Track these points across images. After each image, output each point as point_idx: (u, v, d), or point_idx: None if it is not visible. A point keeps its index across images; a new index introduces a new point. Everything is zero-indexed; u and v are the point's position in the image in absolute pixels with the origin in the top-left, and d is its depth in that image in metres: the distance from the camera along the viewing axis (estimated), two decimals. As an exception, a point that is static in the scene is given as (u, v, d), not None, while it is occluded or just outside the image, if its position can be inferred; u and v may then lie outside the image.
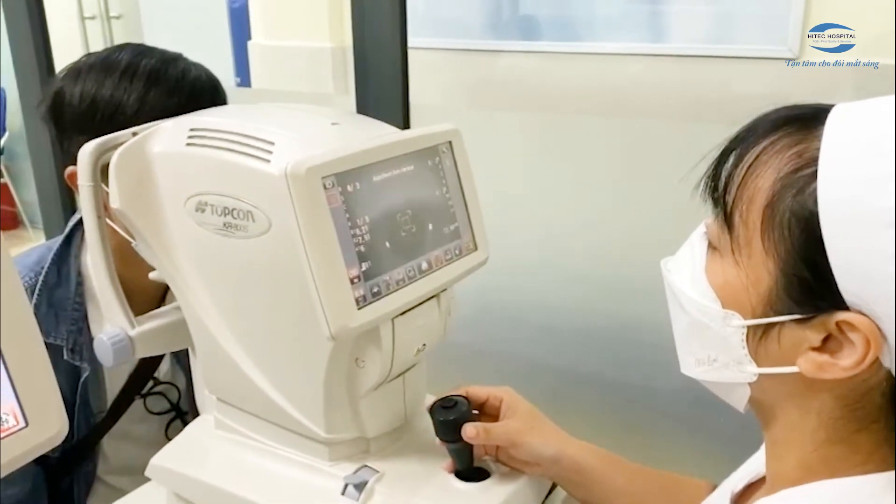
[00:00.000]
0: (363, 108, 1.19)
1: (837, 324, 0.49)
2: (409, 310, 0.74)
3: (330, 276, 0.66)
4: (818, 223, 0.48)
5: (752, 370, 0.54)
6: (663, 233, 1.26)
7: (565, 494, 0.84)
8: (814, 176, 0.48)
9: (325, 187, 0.66)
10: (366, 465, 0.78)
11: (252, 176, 0.69)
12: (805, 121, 0.52)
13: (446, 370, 1.24)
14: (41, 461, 1.07)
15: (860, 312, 0.48)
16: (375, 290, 0.69)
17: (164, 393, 1.15)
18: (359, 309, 0.67)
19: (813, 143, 0.50)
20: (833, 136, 0.49)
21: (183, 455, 0.85)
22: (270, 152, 0.69)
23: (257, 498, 0.77)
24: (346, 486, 0.76)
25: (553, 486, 0.84)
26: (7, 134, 4.21)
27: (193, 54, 1.04)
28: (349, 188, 0.68)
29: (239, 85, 2.92)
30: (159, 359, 1.13)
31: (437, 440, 0.79)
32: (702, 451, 1.26)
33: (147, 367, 1.11)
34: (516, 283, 1.33)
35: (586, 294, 1.32)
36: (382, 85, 1.16)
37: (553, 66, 2.07)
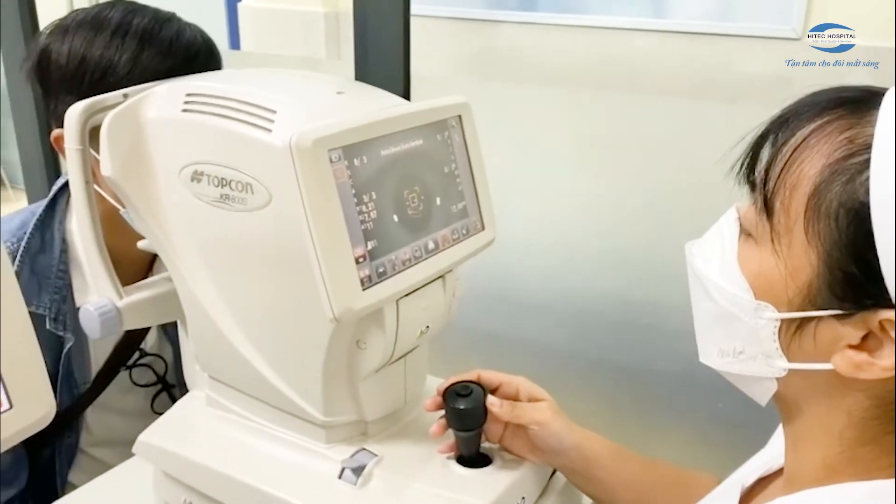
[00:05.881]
0: (362, 76, 1.14)
1: (881, 322, 0.46)
2: (414, 291, 0.71)
3: (334, 255, 0.62)
4: (869, 215, 0.45)
5: (781, 365, 0.52)
6: (664, 212, 1.24)
7: (565, 481, 0.82)
8: (866, 164, 0.45)
9: (331, 161, 0.62)
10: (364, 449, 0.76)
11: (252, 146, 0.66)
12: (856, 104, 0.49)
13: (449, 351, 1.21)
14: (22, 433, 1.03)
15: None
16: (381, 270, 0.66)
17: (150, 365, 1.12)
18: (364, 290, 0.64)
19: (865, 128, 0.47)
20: (888, 122, 0.46)
21: (172, 432, 0.82)
22: (272, 121, 0.65)
23: (249, 480, 0.74)
24: (343, 469, 0.73)
25: (553, 473, 0.82)
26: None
27: (186, 15, 0.99)
28: (356, 162, 0.64)
29: (229, 48, 2.85)
30: (146, 330, 1.09)
31: (433, 429, 0.76)
32: (701, 438, 1.25)
33: (133, 338, 1.08)
34: (513, 263, 1.30)
35: (584, 274, 1.29)
36: (383, 53, 1.11)
37: (554, 38, 2.02)
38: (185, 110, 0.72)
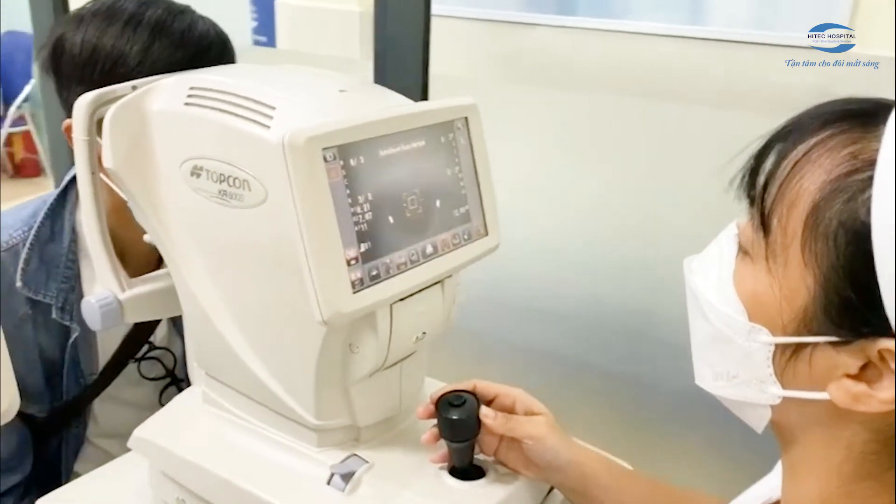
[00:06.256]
0: (381, 75, 1.13)
1: (880, 352, 0.43)
2: (410, 295, 0.69)
3: (325, 256, 0.61)
4: (869, 236, 0.42)
5: (775, 392, 0.49)
6: (688, 224, 1.20)
7: (562, 499, 0.79)
8: (869, 181, 0.42)
9: (325, 160, 0.61)
10: (355, 454, 0.74)
11: (250, 142, 0.65)
12: (864, 117, 0.45)
13: (452, 356, 1.19)
14: (27, 420, 1.04)
15: None
16: (374, 273, 0.64)
17: (159, 358, 1.11)
18: (354, 293, 0.62)
19: (871, 143, 0.44)
20: (892, 139, 0.42)
21: (167, 429, 0.81)
22: (271, 118, 0.64)
23: (238, 481, 0.73)
24: (332, 475, 0.72)
25: (550, 490, 0.79)
26: (33, 80, 4.18)
27: (205, 8, 0.98)
28: (352, 162, 0.63)
29: (264, 44, 2.86)
30: (155, 323, 1.09)
31: (424, 437, 0.74)
32: (709, 458, 1.21)
33: (142, 331, 1.08)
34: (526, 268, 1.28)
35: (599, 283, 1.26)
36: (402, 52, 1.10)
37: (587, 43, 1.99)
38: (187, 104, 0.71)
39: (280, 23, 2.81)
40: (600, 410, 1.25)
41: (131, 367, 1.10)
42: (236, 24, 0.96)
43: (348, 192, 0.62)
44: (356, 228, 0.63)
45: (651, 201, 1.24)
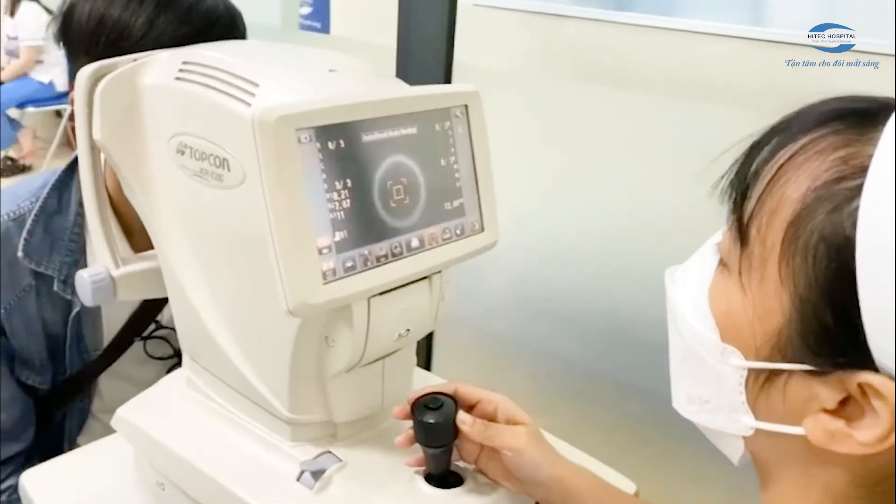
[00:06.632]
0: (403, 61, 1.10)
1: (860, 385, 0.38)
2: (391, 290, 0.65)
3: (293, 242, 0.58)
4: (853, 253, 0.36)
5: (747, 422, 0.44)
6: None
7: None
8: (858, 191, 0.36)
9: (299, 141, 0.58)
10: (329, 452, 0.71)
11: (230, 119, 0.62)
12: (862, 117, 0.39)
13: (471, 355, 1.15)
14: (30, 391, 1.04)
15: (892, 376, 0.37)
16: (349, 264, 0.61)
17: (166, 338, 1.10)
18: (325, 284, 0.59)
19: (865, 147, 0.38)
20: (891, 143, 0.36)
21: (148, 411, 0.80)
22: (253, 94, 0.62)
23: (208, 470, 0.70)
24: (302, 471, 0.69)
25: (536, 504, 0.75)
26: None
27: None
28: (331, 145, 0.59)
29: (318, 30, 2.86)
30: (163, 302, 1.08)
31: (398, 439, 0.71)
32: (720, 475, 1.14)
33: (149, 309, 1.07)
34: (546, 269, 1.23)
35: (621, 291, 1.20)
36: (426, 39, 1.06)
37: (639, 40, 1.92)
38: (178, 78, 0.69)
39: (335, 9, 2.81)
40: (611, 419, 1.19)
41: (138, 346, 1.09)
42: (261, 3, 0.93)
43: (324, 176, 0.59)
44: (331, 216, 0.60)
45: (687, 208, 1.18)
